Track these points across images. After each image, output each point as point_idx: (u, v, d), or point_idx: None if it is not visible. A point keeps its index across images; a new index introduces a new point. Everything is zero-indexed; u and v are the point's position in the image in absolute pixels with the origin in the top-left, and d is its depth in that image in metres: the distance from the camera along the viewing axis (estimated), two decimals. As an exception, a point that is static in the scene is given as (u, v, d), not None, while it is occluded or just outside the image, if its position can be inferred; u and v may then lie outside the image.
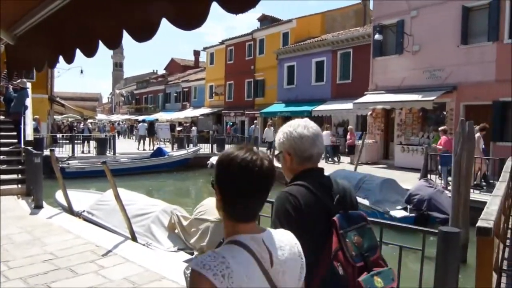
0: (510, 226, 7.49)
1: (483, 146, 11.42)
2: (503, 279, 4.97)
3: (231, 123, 33.10)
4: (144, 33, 1.64)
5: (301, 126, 1.78)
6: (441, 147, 11.71)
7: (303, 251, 1.29)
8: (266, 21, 33.19)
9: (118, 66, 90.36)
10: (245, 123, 32.31)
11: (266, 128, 20.94)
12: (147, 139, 25.06)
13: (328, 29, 28.80)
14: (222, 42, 35.76)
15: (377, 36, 17.49)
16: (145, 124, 26.64)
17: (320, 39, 25.27)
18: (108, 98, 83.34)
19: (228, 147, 1.49)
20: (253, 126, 22.79)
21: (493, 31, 14.34)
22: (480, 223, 3.05)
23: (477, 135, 10.47)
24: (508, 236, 6.88)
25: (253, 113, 30.31)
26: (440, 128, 12.71)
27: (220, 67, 35.76)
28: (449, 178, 9.25)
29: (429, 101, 14.78)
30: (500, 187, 4.97)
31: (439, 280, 2.68)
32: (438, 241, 2.72)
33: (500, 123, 14.19)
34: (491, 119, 14.33)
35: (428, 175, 11.15)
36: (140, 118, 42.36)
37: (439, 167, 11.70)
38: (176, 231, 6.70)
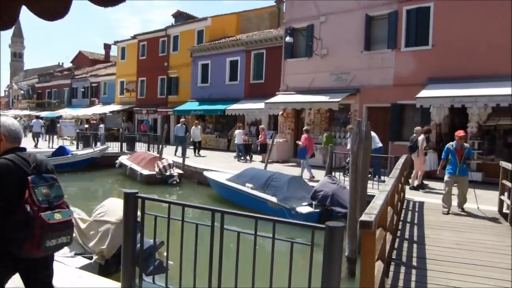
0: (402, 219, 8.19)
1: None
2: (392, 268, 5.38)
3: (147, 121, 32.01)
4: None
5: (11, 119, 2.68)
6: (301, 143, 13.83)
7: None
8: (181, 17, 32.64)
9: (17, 57, 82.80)
10: (157, 121, 31.47)
11: (193, 127, 20.55)
12: (46, 136, 23.32)
13: (243, 29, 29.11)
14: (134, 37, 34.42)
15: (288, 39, 18.04)
16: (41, 121, 24.89)
17: (235, 39, 25.44)
18: (5, 91, 75.98)
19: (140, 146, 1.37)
20: (179, 124, 21.76)
21: (392, 39, 15.55)
22: (363, 217, 3.22)
23: (421, 137, 11.35)
24: (400, 228, 7.52)
25: (166, 111, 29.63)
26: (304, 128, 14.69)
27: (132, 62, 34.42)
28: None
29: (335, 103, 15.63)
30: (389, 183, 5.34)
31: (325, 271, 2.78)
32: (325, 236, 2.80)
33: (398, 124, 15.44)
34: (390, 120, 15.57)
35: (332, 172, 11.75)
36: (43, 114, 39.29)
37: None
38: (74, 235, 6.25)
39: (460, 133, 8.68)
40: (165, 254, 4.92)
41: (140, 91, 33.91)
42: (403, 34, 15.32)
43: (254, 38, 23.71)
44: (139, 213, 3.71)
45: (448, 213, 8.45)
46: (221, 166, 15.66)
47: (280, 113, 19.23)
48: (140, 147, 21.72)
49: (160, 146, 18.17)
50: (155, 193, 13.87)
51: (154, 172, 15.54)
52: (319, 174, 13.41)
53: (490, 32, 13.26)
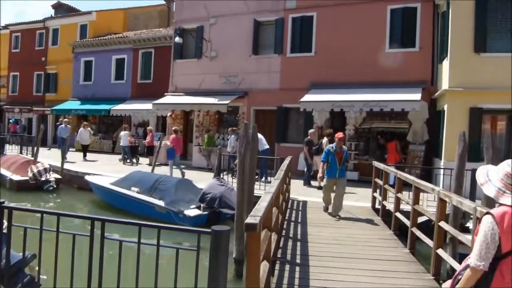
0: (287, 218, 8.49)
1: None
2: (277, 266, 5.49)
3: (15, 120, 28.64)
4: None
5: None
6: (169, 143, 14.18)
7: None
8: (62, 9, 30.13)
9: None
10: (32, 121, 28.49)
11: (81, 129, 18.74)
12: None
13: (130, 26, 27.87)
14: (6, 27, 30.74)
15: (177, 39, 17.65)
16: None
17: (122, 36, 24.23)
18: None
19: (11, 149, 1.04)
20: (62, 125, 19.01)
21: (278, 45, 16.18)
22: (248, 220, 3.19)
23: (325, 139, 11.73)
24: (285, 227, 7.76)
25: (43, 110, 27.04)
26: (173, 128, 15.06)
27: (3, 55, 30.61)
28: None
29: (224, 105, 15.74)
30: (274, 184, 5.44)
31: (211, 274, 2.69)
32: (211, 240, 2.71)
33: (283, 126, 16.09)
34: (276, 122, 16.16)
35: (221, 174, 11.76)
36: None
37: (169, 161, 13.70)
38: None
39: (339, 134, 8.71)
40: (37, 268, 4.38)
41: (12, 87, 30.40)
42: (289, 40, 16.04)
43: (143, 37, 22.83)
44: (6, 224, 3.22)
45: (327, 209, 8.88)
46: (105, 170, 14.69)
47: (169, 114, 18.76)
48: (11, 149, 19.36)
49: (35, 148, 16.38)
50: (27, 201, 12.50)
51: (27, 178, 13.95)
52: (202, 176, 13.40)
53: (364, 43, 14.56)
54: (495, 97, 11.51)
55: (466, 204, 4.33)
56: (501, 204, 2.46)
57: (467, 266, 2.53)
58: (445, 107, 12.17)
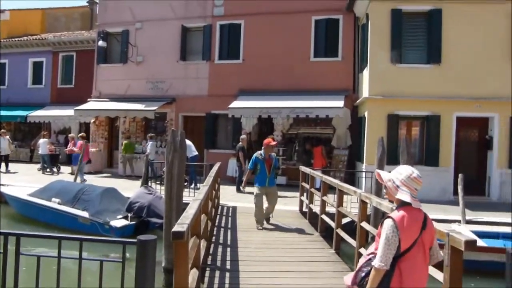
0: (216, 224, 8.44)
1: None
2: (207, 273, 5.44)
3: None
4: None
5: None
6: (76, 149, 14.53)
7: None
8: (-31, 7, 27.47)
9: None
10: None
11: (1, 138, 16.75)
12: None
13: (49, 28, 26.17)
14: None
15: (101, 43, 16.95)
16: None
17: (40, 38, 22.66)
18: None
19: None
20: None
21: (206, 51, 16.14)
22: (175, 228, 3.13)
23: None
24: (215, 233, 7.72)
25: None
26: (79, 135, 15.32)
27: None
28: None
29: (151, 111, 15.33)
30: (202, 191, 5.40)
31: (138, 285, 2.60)
32: (136, 250, 2.63)
33: (212, 132, 16.05)
34: (205, 129, 16.07)
35: (149, 182, 11.42)
36: None
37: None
38: None
39: (269, 141, 8.04)
40: None
41: None
42: (217, 47, 16.07)
43: (63, 39, 21.54)
44: None
45: (262, 229, 7.85)
46: (22, 180, 13.62)
47: (92, 120, 17.86)
48: None
49: None
50: None
51: None
52: (127, 184, 12.96)
53: (290, 51, 15.04)
54: (410, 104, 12.46)
55: (385, 205, 4.60)
56: (399, 208, 2.72)
57: (369, 260, 2.80)
58: (366, 114, 12.91)
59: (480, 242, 7.44)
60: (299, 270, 5.59)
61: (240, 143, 12.86)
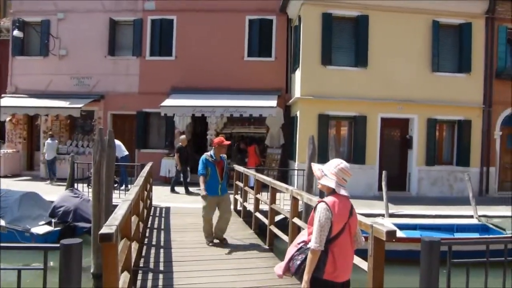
0: (149, 226, 8.20)
1: None
2: (140, 276, 5.26)
3: None
4: None
5: None
6: None
7: None
8: None
9: None
10: None
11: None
12: None
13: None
14: None
15: (16, 33, 15.47)
16: None
17: None
18: None
19: None
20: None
21: (137, 47, 15.58)
22: (103, 230, 3.01)
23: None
24: (147, 234, 7.49)
25: None
26: None
27: None
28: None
29: (77, 109, 14.44)
30: (132, 191, 5.21)
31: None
32: (60, 255, 2.47)
33: (144, 132, 15.55)
34: (136, 128, 15.53)
35: (75, 185, 10.81)
36: None
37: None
38: None
39: (221, 140, 6.72)
40: None
41: None
42: (148, 43, 15.58)
43: (-28, 28, 19.64)
44: None
45: (212, 241, 6.74)
46: None
47: (8, 119, 16.36)
48: None
49: None
50: None
51: None
52: (51, 188, 12.24)
53: (225, 50, 15.02)
54: (339, 105, 12.99)
55: (315, 201, 4.74)
56: (330, 194, 2.94)
57: (300, 249, 2.99)
58: (298, 114, 13.26)
59: (400, 234, 7.96)
60: (233, 267, 5.62)
61: (180, 143, 12.56)
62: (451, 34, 13.73)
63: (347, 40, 13.35)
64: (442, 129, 14.06)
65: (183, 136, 12.86)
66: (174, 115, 14.17)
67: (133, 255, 4.90)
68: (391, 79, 13.10)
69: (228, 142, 6.87)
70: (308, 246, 2.89)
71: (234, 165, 10.63)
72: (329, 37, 12.99)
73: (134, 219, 5.22)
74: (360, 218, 3.27)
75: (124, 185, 11.69)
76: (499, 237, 7.98)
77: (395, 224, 8.60)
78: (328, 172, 2.96)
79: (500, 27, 13.86)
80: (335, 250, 2.83)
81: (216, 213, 6.77)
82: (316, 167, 3.07)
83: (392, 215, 9.75)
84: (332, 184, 2.91)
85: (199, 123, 15.55)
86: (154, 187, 11.71)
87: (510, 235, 8.35)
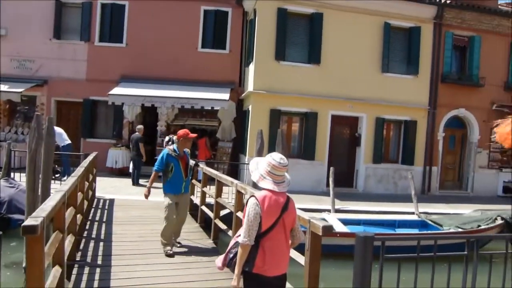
0: (90, 218, 7.86)
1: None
2: (75, 270, 5.02)
3: None
4: None
5: None
6: None
7: None
8: None
9: None
10: None
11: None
12: None
13: None
14: None
15: None
16: None
17: None
18: None
19: None
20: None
21: (85, 31, 14.84)
22: (26, 222, 2.83)
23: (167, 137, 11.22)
24: (87, 227, 7.18)
25: None
26: None
27: None
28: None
29: (17, 93, 13.54)
30: (68, 182, 4.94)
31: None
32: None
33: (90, 120, 14.91)
34: (82, 116, 14.86)
35: (12, 174, 10.18)
36: None
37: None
38: None
39: (187, 132, 6.04)
40: None
41: None
42: (97, 27, 14.90)
43: None
44: None
45: (172, 252, 5.87)
46: None
47: None
48: None
49: None
50: None
51: None
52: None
53: (178, 39, 14.67)
54: (291, 101, 13.08)
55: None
56: (263, 189, 2.94)
57: (236, 243, 2.98)
58: (250, 108, 13.22)
59: (344, 229, 8.14)
60: (176, 261, 5.55)
61: (137, 133, 12.14)
62: (401, 36, 14.19)
63: (302, 37, 13.45)
64: (390, 129, 14.53)
65: (140, 126, 12.46)
66: (123, 104, 13.68)
67: (68, 248, 4.67)
68: (343, 77, 13.35)
69: (194, 135, 6.20)
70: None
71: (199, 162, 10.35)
72: (283, 32, 13.02)
73: (70, 210, 4.97)
74: (299, 213, 3.26)
75: (66, 176, 11.16)
76: (429, 233, 8.37)
77: (340, 220, 8.80)
78: (264, 172, 2.97)
79: (447, 33, 14.51)
80: (265, 244, 2.84)
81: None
82: (254, 165, 3.08)
83: (338, 211, 9.95)
84: (269, 185, 2.92)
85: (149, 113, 15.14)
86: (99, 178, 11.33)
87: (446, 231, 8.77)
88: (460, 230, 8.75)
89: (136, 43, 14.71)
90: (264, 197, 2.87)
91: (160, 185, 6.23)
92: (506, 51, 15.24)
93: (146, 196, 6.17)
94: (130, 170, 12.48)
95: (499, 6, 16.08)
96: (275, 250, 2.85)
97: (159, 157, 6.03)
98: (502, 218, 9.07)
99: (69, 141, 11.88)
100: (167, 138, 12.41)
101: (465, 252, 2.90)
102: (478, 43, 14.81)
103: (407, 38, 14.23)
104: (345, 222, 8.80)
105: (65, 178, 10.91)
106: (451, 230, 8.74)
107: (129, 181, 12.15)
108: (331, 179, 10.11)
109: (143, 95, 13.14)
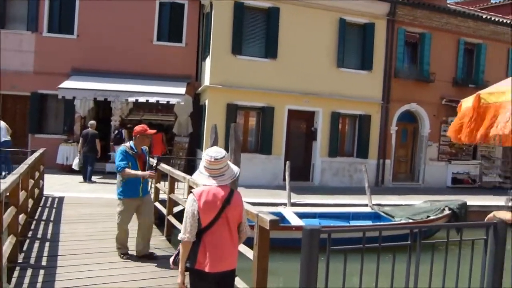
0: (36, 218, 7.49)
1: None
2: (16, 273, 4.76)
3: None
4: None
5: None
6: None
7: None
8: None
9: None
10: None
11: None
12: None
13: None
14: None
15: None
16: None
17: None
18: None
19: None
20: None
21: (32, 21, 14.10)
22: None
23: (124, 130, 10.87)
24: (33, 228, 6.83)
25: None
26: None
27: None
28: None
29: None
30: (8, 180, 4.65)
31: None
32: None
33: (39, 115, 14.22)
34: (29, 110, 14.16)
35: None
36: None
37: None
38: None
39: (144, 128, 5.47)
40: None
41: None
42: (45, 17, 14.19)
43: None
44: None
45: (127, 255, 5.49)
46: None
47: None
48: None
49: None
50: None
51: None
52: None
53: (132, 32, 14.24)
54: (248, 95, 13.05)
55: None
56: (204, 184, 2.92)
57: None
58: (206, 102, 13.07)
59: (300, 222, 8.22)
60: (127, 259, 5.35)
61: (90, 128, 11.68)
62: (356, 32, 14.47)
63: (258, 31, 13.43)
64: (345, 123, 14.83)
65: (93, 122, 12.03)
66: (74, 98, 13.14)
67: (8, 250, 4.42)
68: (299, 72, 13.45)
69: (152, 131, 5.57)
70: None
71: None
72: (240, 26, 12.94)
73: (10, 210, 4.70)
74: (247, 207, 3.22)
75: (7, 174, 10.57)
76: (374, 225, 8.59)
77: (296, 213, 8.87)
78: (201, 167, 2.96)
79: (400, 29, 14.95)
80: (207, 240, 2.81)
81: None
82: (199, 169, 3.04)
83: (294, 204, 10.04)
84: (204, 180, 2.90)
85: (102, 108, 14.64)
86: (49, 176, 10.85)
87: (394, 222, 9.05)
88: (410, 220, 9.06)
89: (88, 34, 14.15)
90: (201, 192, 2.84)
91: (113, 181, 6.01)
92: (455, 48, 15.91)
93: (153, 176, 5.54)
94: (74, 167, 12.07)
95: (448, 5, 16.75)
96: (217, 245, 2.82)
97: (118, 155, 5.33)
98: (450, 209, 9.47)
99: (7, 138, 11.07)
100: (115, 132, 12.10)
101: (409, 242, 2.95)
102: (429, 40, 15.37)
103: (362, 34, 14.54)
104: (301, 215, 8.89)
105: (2, 175, 10.32)
106: (402, 221, 9.03)
107: (80, 178, 11.71)
108: (287, 173, 10.17)
109: (96, 89, 12.69)
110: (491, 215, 3.45)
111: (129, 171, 5.23)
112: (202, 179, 2.90)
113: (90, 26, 14.15)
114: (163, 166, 7.36)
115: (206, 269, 2.78)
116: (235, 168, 3.00)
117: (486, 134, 3.73)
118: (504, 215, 3.44)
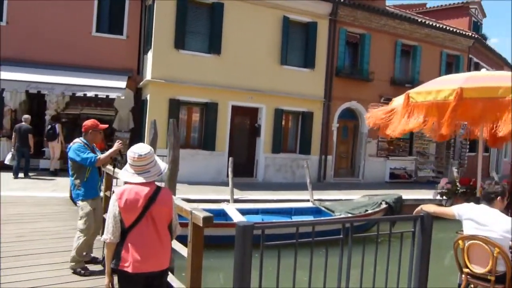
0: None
1: None
2: None
3: None
4: None
5: None
6: None
7: None
8: None
9: None
10: None
11: None
12: None
13: None
14: None
15: None
16: None
17: None
18: None
19: None
20: None
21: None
22: None
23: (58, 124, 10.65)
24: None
25: None
26: None
27: None
28: None
29: None
30: None
31: None
32: None
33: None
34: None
35: None
36: None
37: None
38: None
39: (96, 123, 5.09)
40: None
41: None
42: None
43: None
44: None
45: (88, 270, 4.83)
46: None
47: None
48: None
49: None
50: None
51: None
52: None
53: (69, 20, 13.53)
54: (191, 91, 12.88)
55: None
56: (125, 183, 2.85)
57: None
58: (148, 97, 12.73)
59: (242, 218, 8.24)
60: (61, 261, 5.08)
61: (24, 123, 10.97)
62: (299, 31, 14.73)
63: (202, 26, 13.29)
64: (288, 119, 15.07)
65: (28, 116, 11.36)
66: (3, 90, 12.28)
67: None
68: (243, 68, 13.48)
69: (104, 126, 5.25)
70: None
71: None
72: (183, 20, 12.73)
73: None
74: (181, 204, 3.17)
75: None
76: (308, 221, 8.75)
77: (239, 209, 8.89)
78: (127, 165, 2.87)
79: (341, 29, 15.40)
80: (131, 240, 2.74)
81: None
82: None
83: (237, 201, 10.06)
84: (127, 177, 2.83)
85: (36, 101, 13.81)
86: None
87: (335, 216, 9.34)
88: (349, 215, 9.38)
89: (19, 22, 13.23)
90: (123, 191, 2.76)
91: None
92: (392, 49, 16.68)
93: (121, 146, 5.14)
94: (6, 162, 11.34)
95: (387, 8, 17.49)
96: (142, 245, 2.73)
97: (78, 149, 4.76)
98: (386, 203, 9.92)
99: None
100: (49, 127, 11.55)
101: (341, 236, 3.05)
102: (368, 40, 15.98)
103: (305, 32, 14.82)
104: (244, 212, 8.92)
105: None
106: (342, 216, 9.33)
107: (9, 175, 10.99)
108: (230, 169, 10.17)
109: (28, 81, 11.95)
110: (419, 208, 3.65)
111: (103, 156, 4.90)
112: (126, 176, 2.82)
113: (22, 12, 13.25)
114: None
115: (130, 270, 2.70)
116: (162, 165, 2.94)
117: (412, 129, 3.94)
118: (430, 208, 3.66)
